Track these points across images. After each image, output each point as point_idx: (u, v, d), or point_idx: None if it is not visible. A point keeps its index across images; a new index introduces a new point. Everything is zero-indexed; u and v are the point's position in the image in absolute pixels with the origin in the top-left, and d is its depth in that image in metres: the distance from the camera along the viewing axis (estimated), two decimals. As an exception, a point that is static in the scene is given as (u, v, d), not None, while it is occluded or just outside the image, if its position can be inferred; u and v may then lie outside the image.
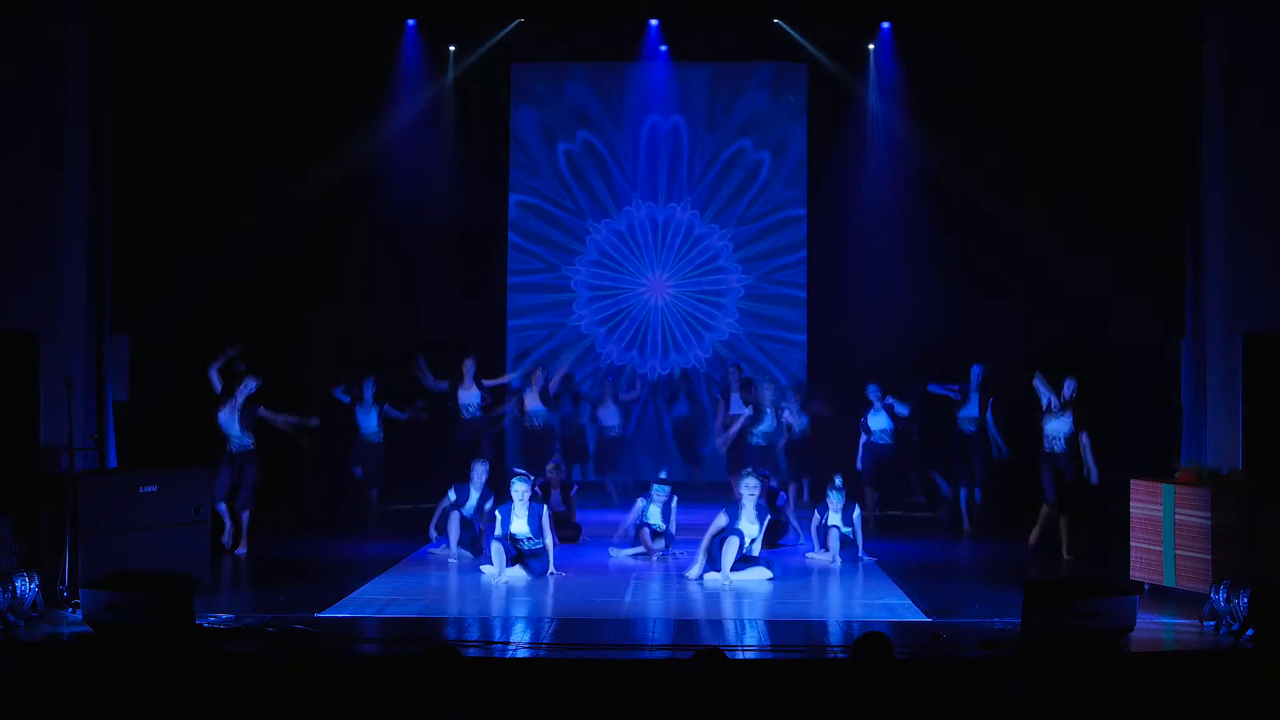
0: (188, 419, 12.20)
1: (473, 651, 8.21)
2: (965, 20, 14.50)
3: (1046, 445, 11.75)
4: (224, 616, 9.11)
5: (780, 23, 15.96)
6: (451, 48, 16.43)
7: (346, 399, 14.04)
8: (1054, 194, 14.34)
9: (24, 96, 11.50)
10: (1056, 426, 11.70)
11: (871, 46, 16.35)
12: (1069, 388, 11.74)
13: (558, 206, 17.29)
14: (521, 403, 14.79)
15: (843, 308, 16.54)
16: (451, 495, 11.89)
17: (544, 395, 14.72)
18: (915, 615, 9.43)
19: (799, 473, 14.40)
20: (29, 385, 11.23)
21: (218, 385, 11.89)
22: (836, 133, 16.72)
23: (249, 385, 11.89)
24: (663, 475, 12.39)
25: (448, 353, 14.97)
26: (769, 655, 8.34)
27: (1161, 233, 12.70)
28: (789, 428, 14.33)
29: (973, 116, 14.88)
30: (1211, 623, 8.93)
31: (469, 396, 14.26)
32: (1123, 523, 10.40)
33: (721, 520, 10.78)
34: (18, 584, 8.81)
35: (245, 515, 11.93)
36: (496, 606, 9.85)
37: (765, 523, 10.98)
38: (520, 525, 10.83)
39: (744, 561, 10.67)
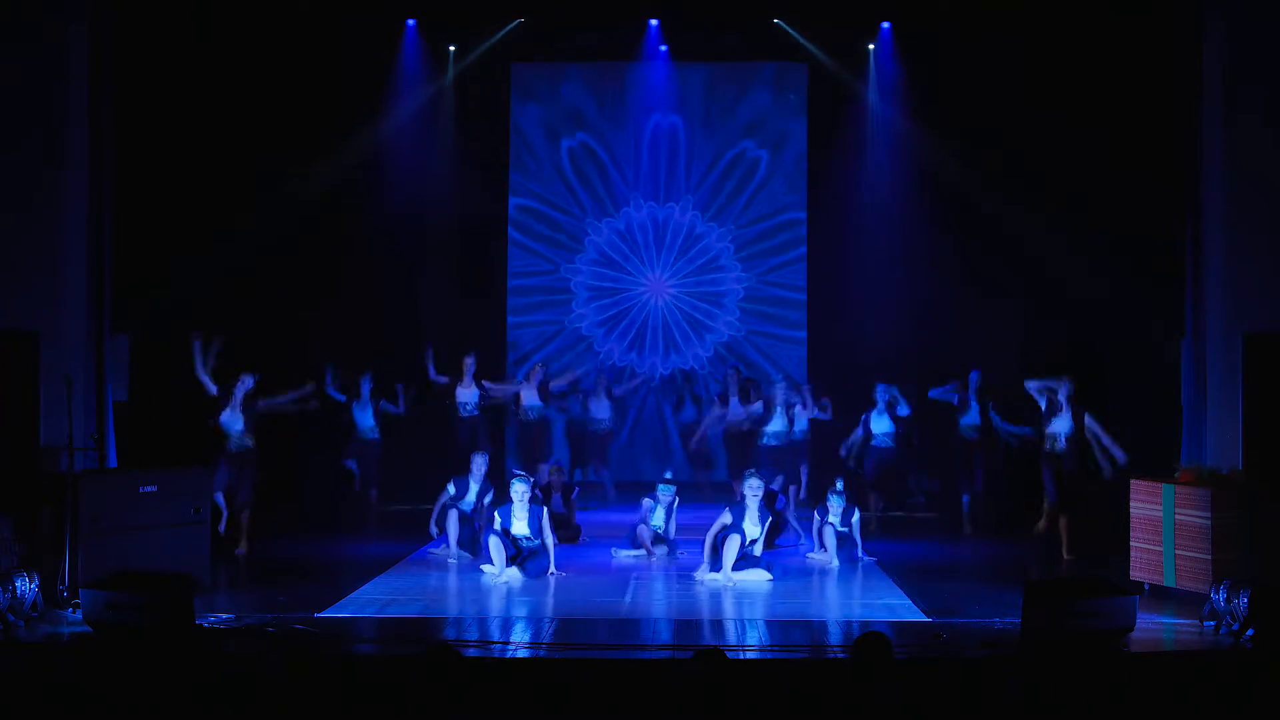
0: (188, 419, 12.19)
1: (473, 651, 8.21)
2: (965, 20, 14.51)
3: (1048, 445, 11.75)
4: (224, 616, 9.11)
5: (780, 23, 15.97)
6: (451, 48, 16.43)
7: (342, 397, 14.02)
8: (1054, 194, 14.35)
9: (24, 96, 11.51)
10: (1057, 426, 11.69)
11: (871, 46, 16.35)
12: (1065, 388, 11.74)
13: (558, 206, 17.29)
14: (518, 396, 14.79)
15: (843, 308, 16.54)
16: (450, 489, 11.88)
17: (542, 390, 14.70)
18: (915, 615, 9.43)
19: (797, 472, 14.34)
20: (29, 385, 11.24)
21: (212, 388, 11.83)
22: (836, 133, 16.72)
23: (246, 382, 11.85)
24: (667, 475, 12.37)
25: (448, 352, 14.97)
26: (769, 655, 8.34)
27: (1161, 233, 12.70)
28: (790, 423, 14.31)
29: (973, 116, 14.88)
30: (1211, 623, 8.93)
31: (467, 395, 14.24)
32: (1123, 523, 10.40)
33: (725, 519, 10.79)
34: (18, 584, 8.81)
35: (245, 515, 11.93)
36: (496, 606, 9.85)
37: (767, 524, 10.99)
38: (520, 526, 10.83)
39: (744, 560, 10.67)
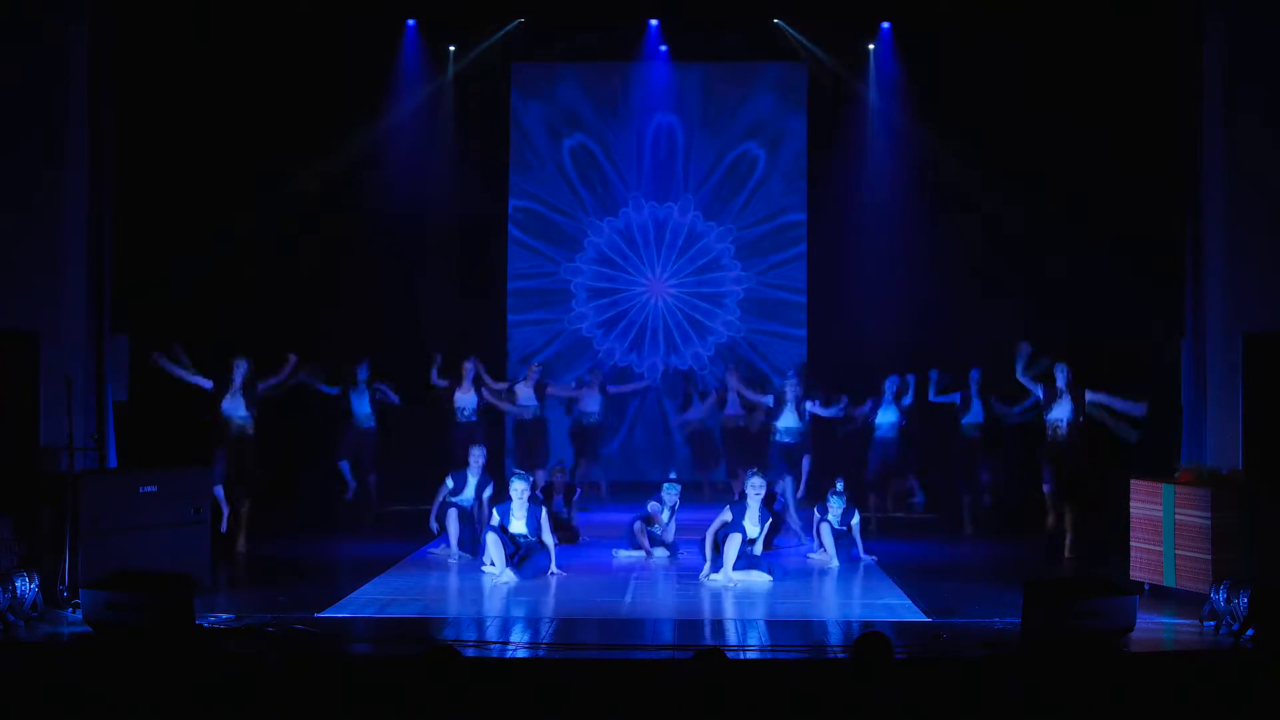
0: (188, 419, 12.19)
1: (473, 651, 8.21)
2: (965, 20, 14.52)
3: (1049, 433, 11.72)
4: (224, 616, 9.10)
5: (780, 23, 15.98)
6: (451, 48, 16.44)
7: (335, 390, 13.99)
8: (1054, 194, 14.36)
9: (24, 96, 11.50)
10: (1058, 413, 11.69)
11: (871, 46, 16.36)
12: (1062, 374, 11.73)
13: (558, 206, 17.29)
14: (514, 393, 14.73)
15: (843, 307, 16.54)
16: (449, 483, 11.87)
17: (538, 389, 14.62)
18: (915, 615, 9.42)
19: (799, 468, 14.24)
20: (29, 385, 11.23)
21: (206, 383, 11.89)
22: (837, 132, 16.72)
23: (241, 367, 11.90)
24: (672, 476, 12.35)
25: (448, 352, 14.96)
26: (769, 655, 8.34)
27: (1161, 233, 12.70)
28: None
29: (973, 116, 14.88)
30: (1211, 623, 8.93)
31: (466, 400, 14.08)
32: (1123, 523, 10.40)
33: (726, 516, 10.78)
34: (18, 584, 8.80)
35: (244, 508, 11.92)
36: (496, 606, 9.85)
37: (767, 524, 10.98)
38: (518, 525, 10.83)
39: (743, 560, 10.66)
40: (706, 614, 9.61)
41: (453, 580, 10.90)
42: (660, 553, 11.73)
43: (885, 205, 16.33)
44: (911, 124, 15.91)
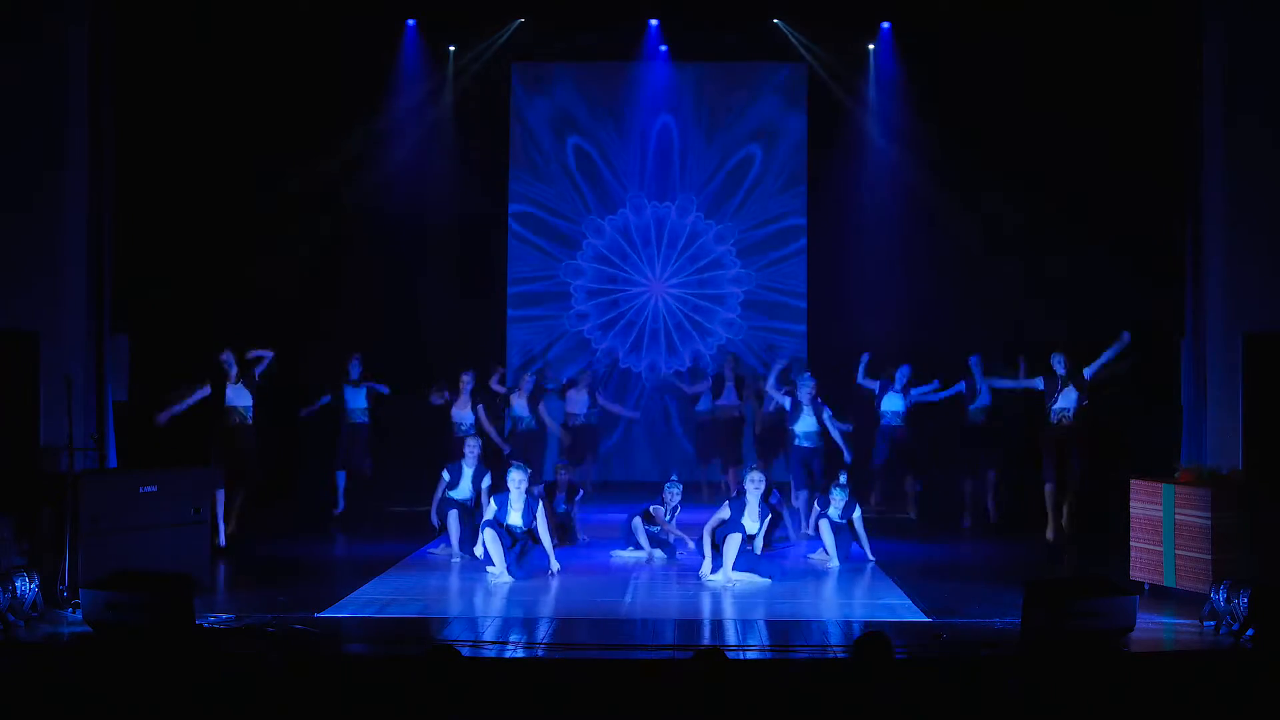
0: (188, 419, 12.20)
1: (473, 651, 8.21)
2: (965, 20, 14.52)
3: (1054, 418, 11.66)
4: (224, 616, 9.11)
5: (780, 23, 15.98)
6: (451, 48, 16.45)
7: (328, 398, 13.95)
8: (1054, 194, 14.35)
9: (24, 96, 11.50)
10: (1064, 403, 11.68)
11: (871, 46, 16.37)
12: (1060, 364, 11.72)
13: (558, 206, 17.30)
14: (508, 404, 14.57)
15: (843, 308, 16.54)
16: (446, 476, 11.85)
17: (532, 400, 14.33)
18: (915, 615, 9.42)
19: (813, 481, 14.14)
20: (29, 385, 11.23)
21: (205, 391, 11.88)
22: (836, 132, 16.72)
23: (228, 359, 11.98)
24: (674, 476, 12.33)
25: (448, 352, 14.95)
26: (769, 655, 8.34)
27: (1161, 233, 12.70)
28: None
29: (972, 116, 14.89)
30: (1211, 623, 8.93)
31: (463, 415, 13.82)
32: (1123, 523, 10.40)
33: (724, 513, 10.76)
34: (18, 584, 8.80)
35: (238, 499, 11.87)
36: (497, 606, 9.85)
37: (766, 520, 10.97)
38: (515, 517, 10.82)
39: (743, 558, 10.64)
40: (706, 614, 9.61)
41: (453, 580, 10.90)
42: (659, 554, 11.72)
43: (885, 205, 16.33)
44: (911, 124, 15.91)
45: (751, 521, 10.78)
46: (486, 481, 11.82)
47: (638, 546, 11.80)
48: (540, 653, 8.38)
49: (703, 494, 15.14)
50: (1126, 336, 11.65)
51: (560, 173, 17.28)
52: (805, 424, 12.97)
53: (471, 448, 11.99)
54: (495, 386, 14.41)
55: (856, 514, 11.61)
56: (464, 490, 11.85)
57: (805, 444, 12.96)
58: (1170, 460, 11.49)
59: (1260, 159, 11.50)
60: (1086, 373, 11.68)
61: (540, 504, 10.98)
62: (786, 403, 13.31)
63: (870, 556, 11.55)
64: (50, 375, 11.23)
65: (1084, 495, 11.92)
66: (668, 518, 11.84)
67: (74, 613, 9.02)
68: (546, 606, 9.85)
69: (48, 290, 11.57)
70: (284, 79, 14.31)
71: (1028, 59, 14.21)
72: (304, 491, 14.20)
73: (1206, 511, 9.64)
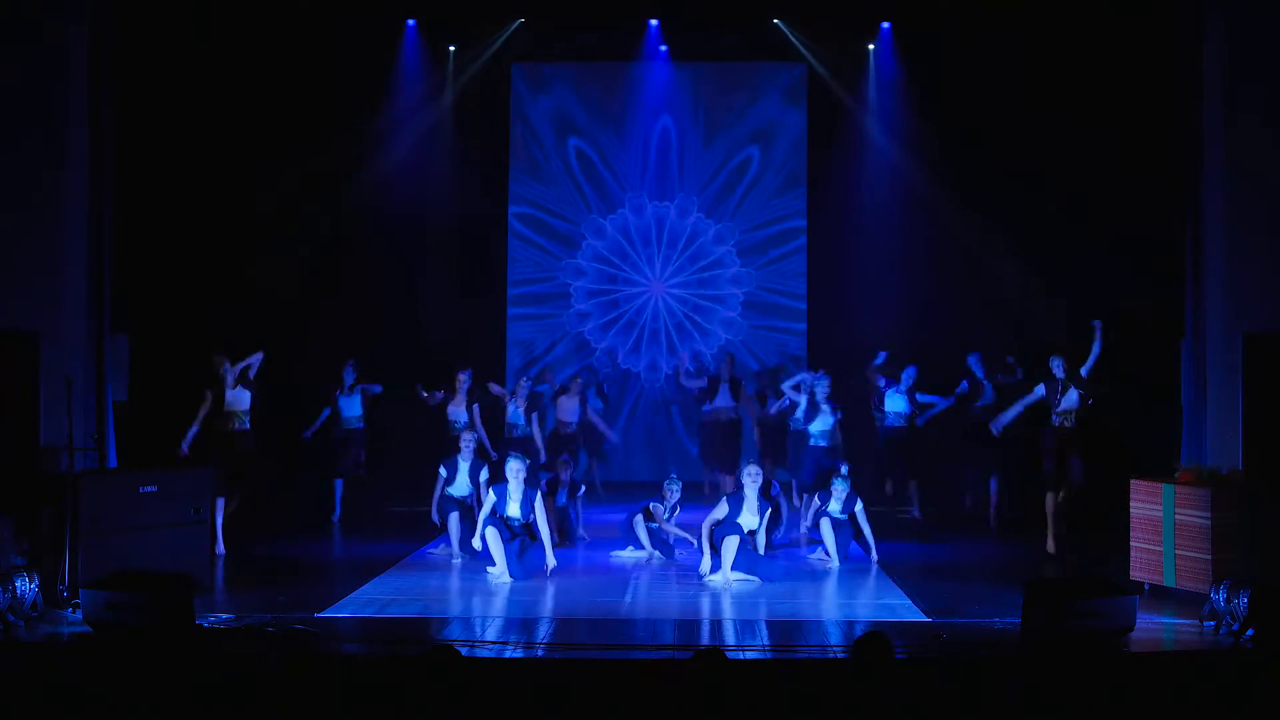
0: (188, 419, 12.19)
1: (473, 651, 8.21)
2: (965, 20, 14.53)
3: (1056, 421, 11.64)
4: (224, 616, 9.11)
5: (780, 23, 15.99)
6: (451, 48, 16.46)
7: (327, 411, 13.91)
8: (1054, 194, 14.36)
9: (24, 96, 11.51)
10: (1066, 405, 11.65)
11: (871, 46, 16.38)
12: (1059, 367, 11.72)
13: (558, 206, 17.31)
14: (503, 409, 14.51)
15: (843, 308, 16.55)
16: (443, 472, 11.82)
17: (528, 407, 14.11)
18: (915, 615, 9.42)
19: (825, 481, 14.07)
20: (29, 385, 11.24)
21: (208, 402, 11.88)
22: (836, 132, 16.73)
23: (224, 364, 11.87)
24: (673, 473, 12.32)
25: (448, 351, 14.94)
26: (769, 655, 8.34)
27: (1161, 233, 12.71)
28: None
29: (972, 116, 14.90)
30: (1211, 623, 8.92)
31: (459, 414, 13.69)
32: (1123, 523, 10.40)
33: (722, 509, 10.75)
34: (18, 584, 8.80)
35: (233, 504, 11.84)
36: (496, 606, 9.84)
37: (766, 514, 10.94)
38: (513, 507, 10.80)
39: (743, 555, 10.62)
40: (706, 614, 9.60)
41: (453, 580, 10.90)
42: (658, 554, 11.70)
43: (885, 205, 16.34)
44: (911, 124, 15.92)
45: (750, 516, 10.77)
46: (484, 475, 11.77)
47: (638, 546, 11.79)
48: (540, 653, 8.38)
49: (704, 494, 15.14)
50: (1098, 325, 11.63)
51: (560, 173, 17.29)
52: (822, 423, 12.94)
53: (468, 442, 11.96)
54: (493, 389, 14.35)
55: (859, 507, 11.56)
56: (461, 486, 11.82)
57: (821, 443, 12.94)
58: (1170, 460, 11.49)
59: (1260, 159, 11.50)
60: (1084, 371, 11.67)
61: (539, 494, 10.95)
62: (803, 402, 13.27)
63: (874, 554, 11.50)
64: (50, 375, 11.23)
65: (1084, 495, 11.90)
66: (667, 515, 11.83)
67: (74, 613, 9.02)
68: (546, 606, 9.84)
69: (48, 290, 11.57)
70: (284, 79, 14.31)
71: (1028, 59, 14.22)
72: (303, 495, 14.18)
73: (1206, 511, 9.64)
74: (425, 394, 13.90)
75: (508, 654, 8.34)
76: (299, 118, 14.49)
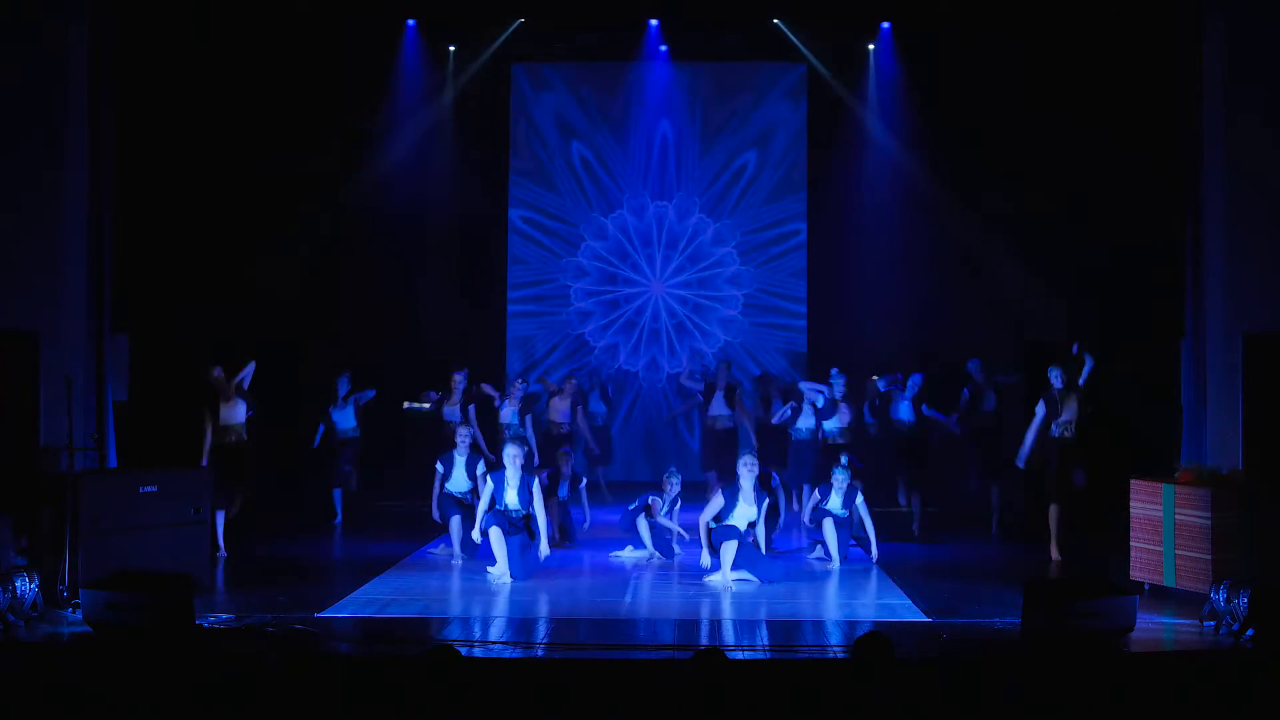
0: (188, 419, 12.19)
1: (473, 651, 8.21)
2: (965, 20, 14.53)
3: (1055, 432, 11.62)
4: (224, 616, 9.11)
5: (780, 23, 15.99)
6: (452, 48, 16.46)
7: (322, 427, 13.87)
8: (1054, 194, 14.35)
9: (24, 96, 11.50)
10: (1067, 416, 11.62)
11: (871, 46, 16.38)
12: (1058, 378, 11.69)
13: (558, 206, 17.31)
14: (496, 411, 14.47)
15: (843, 308, 16.56)
16: (439, 468, 11.79)
17: (522, 409, 14.13)
18: (915, 615, 9.42)
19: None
20: (29, 385, 11.23)
21: (206, 416, 11.85)
22: (836, 132, 16.74)
23: (219, 374, 11.85)
24: (672, 467, 12.30)
25: (447, 351, 14.93)
26: (769, 655, 8.34)
27: (1161, 233, 12.70)
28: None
29: (973, 116, 14.89)
30: (1211, 623, 8.93)
31: (453, 412, 13.76)
32: (1123, 523, 10.40)
33: (719, 502, 10.74)
34: (18, 584, 8.80)
35: (233, 511, 11.82)
36: (497, 606, 9.84)
37: (765, 506, 10.93)
38: (511, 496, 10.79)
39: (743, 553, 10.61)
40: (706, 614, 9.60)
41: (453, 580, 10.90)
42: (658, 555, 11.69)
43: (885, 205, 16.35)
44: (911, 124, 15.92)
45: (749, 508, 10.75)
46: (481, 468, 11.74)
47: (638, 545, 11.78)
48: (540, 653, 8.39)
49: (704, 493, 15.11)
50: (1075, 346, 11.63)
51: (560, 172, 17.29)
52: (838, 421, 13.20)
53: (463, 437, 11.95)
54: (485, 390, 14.32)
55: (860, 499, 11.55)
56: (459, 481, 11.76)
57: (839, 440, 13.13)
58: (1170, 460, 11.49)
59: (1260, 159, 11.50)
60: (1081, 382, 11.64)
61: (536, 481, 10.91)
62: (820, 400, 13.34)
63: (874, 549, 11.43)
64: (50, 375, 11.23)
65: (1084, 497, 11.88)
66: (665, 509, 11.81)
67: (74, 613, 9.02)
68: (546, 606, 9.85)
69: (48, 290, 11.57)
70: (284, 79, 14.31)
71: (1028, 59, 14.22)
72: (304, 496, 14.18)
73: (1206, 511, 9.64)
74: (416, 404, 13.87)
75: (508, 654, 8.34)
76: (299, 118, 14.49)
